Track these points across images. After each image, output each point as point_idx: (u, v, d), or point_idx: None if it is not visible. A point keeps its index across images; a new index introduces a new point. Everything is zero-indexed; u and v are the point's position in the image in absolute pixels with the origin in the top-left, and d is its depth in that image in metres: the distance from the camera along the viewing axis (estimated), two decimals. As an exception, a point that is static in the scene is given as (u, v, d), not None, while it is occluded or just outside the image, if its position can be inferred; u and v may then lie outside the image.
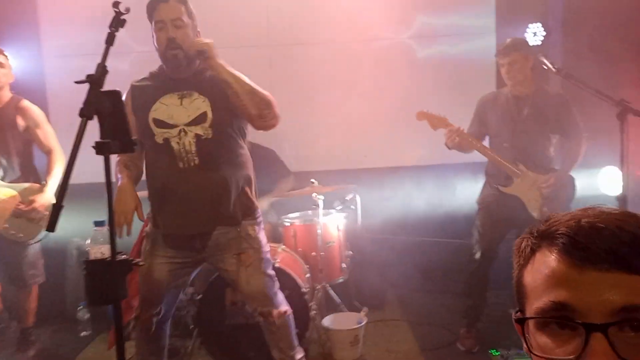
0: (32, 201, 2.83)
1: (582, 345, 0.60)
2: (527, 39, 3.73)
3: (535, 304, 0.66)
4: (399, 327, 3.17)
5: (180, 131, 1.98)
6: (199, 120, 1.98)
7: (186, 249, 2.09)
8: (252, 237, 2.12)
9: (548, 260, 0.65)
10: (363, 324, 2.78)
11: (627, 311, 0.59)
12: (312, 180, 3.10)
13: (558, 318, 0.62)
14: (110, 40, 1.42)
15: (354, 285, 3.38)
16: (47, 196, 2.88)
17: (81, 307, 3.38)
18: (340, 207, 3.26)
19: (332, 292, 3.17)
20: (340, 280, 3.21)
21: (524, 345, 0.70)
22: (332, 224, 3.19)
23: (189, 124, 1.98)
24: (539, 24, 3.77)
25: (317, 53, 4.00)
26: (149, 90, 2.05)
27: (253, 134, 3.74)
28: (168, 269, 2.09)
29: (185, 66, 1.99)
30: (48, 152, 2.99)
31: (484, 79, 3.89)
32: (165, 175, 2.04)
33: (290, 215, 3.42)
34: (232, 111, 2.02)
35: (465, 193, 3.86)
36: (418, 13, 3.93)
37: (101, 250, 1.43)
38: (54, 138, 3.02)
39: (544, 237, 0.68)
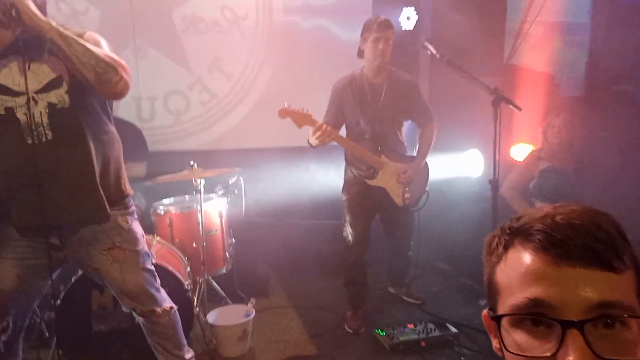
0: None
1: (558, 342, 0.59)
2: (401, 23, 3.85)
3: (510, 300, 0.64)
4: (285, 314, 3.08)
5: (28, 100, 1.62)
6: (52, 85, 1.65)
7: (41, 246, 1.71)
8: (125, 229, 1.84)
9: (522, 257, 0.64)
10: (251, 316, 2.62)
11: (603, 307, 0.59)
12: (192, 162, 2.79)
13: (534, 315, 0.61)
14: None
15: (238, 274, 3.19)
16: None
17: None
18: (222, 192, 3.01)
19: (215, 284, 2.94)
20: (224, 271, 3.00)
21: (496, 343, 0.67)
22: (214, 211, 2.93)
23: (40, 91, 1.64)
24: (412, 8, 3.90)
25: (186, 17, 3.60)
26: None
27: (115, 108, 3.25)
28: (17, 273, 1.72)
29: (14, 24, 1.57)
30: None
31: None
32: (10, 153, 1.66)
33: (165, 201, 3.07)
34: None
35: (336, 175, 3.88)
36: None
37: None
38: None
39: (518, 233, 0.67)
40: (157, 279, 1.97)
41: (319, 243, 3.79)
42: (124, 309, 2.04)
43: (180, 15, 3.57)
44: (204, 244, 2.76)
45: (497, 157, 2.49)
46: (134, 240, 1.87)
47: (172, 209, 2.88)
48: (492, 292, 0.69)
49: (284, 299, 3.34)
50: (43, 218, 1.68)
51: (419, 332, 2.63)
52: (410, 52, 3.98)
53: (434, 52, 2.52)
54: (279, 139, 3.89)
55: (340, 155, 3.82)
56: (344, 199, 2.91)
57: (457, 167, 3.78)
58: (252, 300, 2.85)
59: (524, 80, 3.88)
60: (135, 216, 1.95)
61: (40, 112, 1.64)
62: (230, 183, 3.00)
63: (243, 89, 3.79)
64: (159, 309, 1.91)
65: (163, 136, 3.72)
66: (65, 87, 1.65)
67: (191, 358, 2.10)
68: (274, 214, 3.81)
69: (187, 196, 3.08)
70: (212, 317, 2.63)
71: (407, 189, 2.89)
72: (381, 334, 2.66)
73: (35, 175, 1.64)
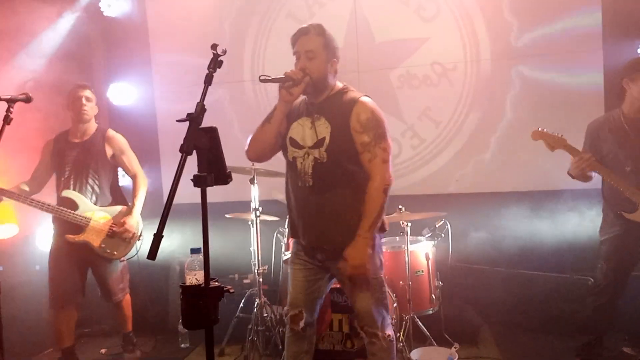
0: (123, 222, 3.11)
1: None
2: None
3: None
4: (494, 367, 2.95)
5: (305, 153, 2.09)
6: (318, 144, 2.07)
7: (313, 259, 2.21)
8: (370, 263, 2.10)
9: None
10: (454, 360, 2.63)
11: None
12: (400, 206, 3.04)
13: None
14: (208, 80, 1.53)
15: (445, 318, 3.22)
16: (135, 217, 3.17)
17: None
18: (429, 235, 3.15)
19: (420, 324, 3.05)
20: (430, 312, 3.08)
21: None
22: (421, 252, 3.09)
23: (312, 147, 2.08)
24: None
25: (402, 76, 3.98)
26: (294, 110, 2.18)
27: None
28: (303, 275, 2.23)
29: (312, 93, 2.10)
30: (133, 176, 3.28)
31: (591, 99, 3.60)
32: (293, 190, 2.18)
33: (378, 241, 3.37)
34: (351, 137, 2.03)
35: (569, 223, 3.57)
36: (523, 30, 3.75)
37: (196, 277, 1.52)
38: (137, 163, 3.30)
39: None
40: (386, 306, 2.18)
41: (540, 297, 3.49)
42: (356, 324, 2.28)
43: (397, 75, 4.00)
44: (410, 282, 2.93)
45: None
46: (375, 269, 2.11)
47: (383, 248, 3.15)
48: None
49: (494, 351, 3.18)
50: (305, 239, 2.16)
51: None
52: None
53: None
54: (492, 184, 3.84)
55: (557, 204, 3.57)
56: (601, 239, 2.77)
57: None
58: (456, 345, 2.83)
59: None
60: (378, 250, 2.17)
61: (309, 164, 2.08)
62: (437, 226, 3.12)
63: (450, 134, 3.96)
64: (380, 333, 2.13)
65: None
66: (325, 146, 2.05)
67: None
68: (487, 262, 3.71)
69: (397, 237, 3.32)
70: (416, 354, 2.74)
71: None
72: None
73: (301, 210, 2.16)
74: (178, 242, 3.65)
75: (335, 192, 2.07)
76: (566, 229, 3.58)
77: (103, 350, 3.57)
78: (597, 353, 2.69)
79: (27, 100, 2.22)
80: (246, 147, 2.17)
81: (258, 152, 2.18)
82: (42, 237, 3.65)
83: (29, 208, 2.95)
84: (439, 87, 3.93)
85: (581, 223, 3.55)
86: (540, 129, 2.63)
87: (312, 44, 2.05)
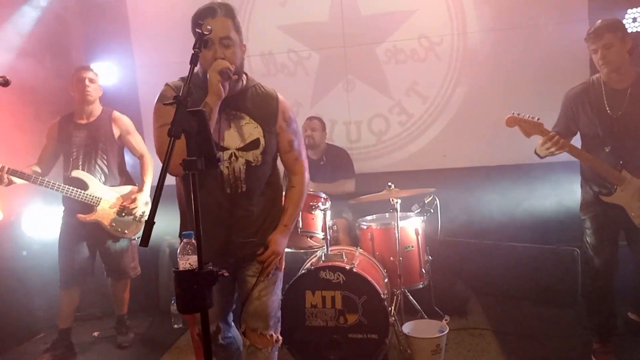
0: (135, 199, 3.16)
1: None
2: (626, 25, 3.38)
3: None
4: (483, 337, 3.02)
5: (231, 155, 1.85)
6: (251, 146, 1.87)
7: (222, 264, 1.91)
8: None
9: None
10: (445, 332, 2.69)
11: None
12: (389, 184, 3.05)
13: None
14: (194, 60, 1.48)
15: (435, 291, 3.28)
16: (145, 195, 3.22)
17: (173, 301, 3.62)
18: (418, 211, 3.18)
19: (411, 298, 3.10)
20: (420, 286, 3.14)
21: None
22: (411, 228, 3.11)
23: (241, 149, 1.86)
24: (639, 9, 3.40)
25: (394, 52, 3.94)
26: (195, 103, 1.70)
27: (329, 134, 3.78)
28: (215, 288, 1.80)
29: (232, 85, 1.83)
30: (140, 157, 3.30)
31: (576, 71, 3.61)
32: (211, 199, 1.88)
33: (367, 217, 3.40)
34: (276, 135, 1.95)
35: (556, 195, 3.63)
36: (502, 5, 3.72)
37: (189, 261, 1.51)
38: (143, 143, 3.33)
39: None
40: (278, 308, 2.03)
41: (528, 267, 3.57)
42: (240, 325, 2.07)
43: (384, 49, 3.95)
44: (401, 258, 2.96)
45: None
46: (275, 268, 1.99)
47: (374, 225, 3.19)
48: None
49: (483, 321, 3.27)
50: (221, 256, 1.90)
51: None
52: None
53: None
54: (480, 158, 3.87)
55: (543, 175, 3.62)
56: (583, 218, 2.69)
57: None
58: (447, 317, 2.90)
59: None
60: None
61: (240, 168, 1.85)
62: (426, 202, 3.14)
63: (438, 108, 3.96)
64: (267, 335, 1.96)
65: (367, 154, 4.15)
66: (261, 148, 1.87)
67: None
68: (475, 235, 3.77)
69: (387, 214, 3.34)
70: (407, 328, 2.79)
71: None
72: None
73: (228, 219, 1.87)
74: (167, 224, 3.61)
75: (264, 194, 1.95)
76: (552, 200, 3.64)
77: (96, 334, 3.58)
78: (612, 327, 2.65)
79: (5, 83, 2.14)
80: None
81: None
82: (28, 222, 3.60)
83: (13, 192, 2.92)
84: (426, 61, 3.91)
85: (567, 194, 3.60)
86: (514, 114, 2.44)
87: (226, 29, 1.78)
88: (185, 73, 1.51)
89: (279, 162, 2.05)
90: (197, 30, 1.55)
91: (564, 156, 2.69)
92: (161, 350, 3.21)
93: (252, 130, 1.88)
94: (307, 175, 2.05)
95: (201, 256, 1.46)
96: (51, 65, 3.63)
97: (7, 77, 2.13)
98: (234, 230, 1.91)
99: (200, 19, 1.73)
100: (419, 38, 3.89)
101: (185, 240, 1.55)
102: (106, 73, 4.22)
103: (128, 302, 3.41)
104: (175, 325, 3.59)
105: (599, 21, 2.46)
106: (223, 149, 1.85)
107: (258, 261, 1.96)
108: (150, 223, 1.33)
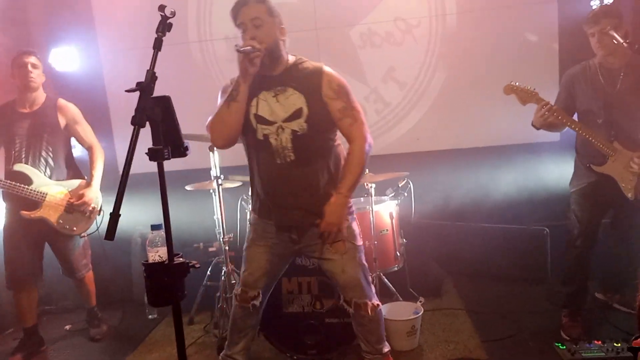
0: (82, 195, 2.99)
1: None
2: (592, 5, 3.44)
3: None
4: (457, 317, 3.09)
5: (278, 127, 1.99)
6: (295, 115, 1.98)
7: (284, 239, 2.16)
8: (345, 227, 2.13)
9: None
10: (420, 314, 2.73)
11: None
12: (364, 168, 3.04)
13: None
14: (157, 45, 1.42)
15: (409, 273, 3.32)
16: (94, 190, 3.05)
17: (147, 292, 3.57)
18: (392, 195, 3.19)
19: (386, 281, 3.13)
20: (395, 269, 3.16)
21: None
22: (385, 212, 3.12)
23: (286, 120, 1.99)
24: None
25: (365, 34, 3.88)
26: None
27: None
28: (267, 258, 2.19)
29: (269, 64, 1.97)
30: (89, 148, 3.13)
31: (546, 51, 3.66)
32: (265, 170, 2.06)
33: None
34: (325, 105, 2.01)
35: (524, 176, 3.71)
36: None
37: (159, 253, 1.47)
38: (92, 133, 3.15)
39: None
40: (369, 274, 2.22)
41: (498, 247, 3.66)
42: (343, 298, 2.24)
43: (358, 32, 3.88)
44: (376, 242, 2.98)
45: None
46: (353, 235, 2.16)
47: (348, 210, 3.18)
48: None
49: (457, 301, 3.33)
50: (283, 220, 2.09)
51: (607, 350, 2.35)
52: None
53: (620, 40, 2.34)
54: (453, 141, 3.89)
55: (512, 157, 3.68)
56: (571, 190, 2.79)
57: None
58: (421, 299, 2.94)
59: None
60: (354, 216, 2.22)
61: (287, 138, 1.98)
62: (399, 186, 3.16)
63: (415, 95, 3.90)
64: (369, 303, 2.14)
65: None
66: (304, 117, 1.97)
67: (387, 352, 2.30)
68: (449, 217, 3.83)
69: (362, 198, 3.34)
70: (383, 310, 2.80)
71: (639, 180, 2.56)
72: (561, 347, 2.47)
73: (282, 188, 2.04)
74: (138, 213, 3.54)
75: (317, 162, 2.04)
76: (523, 182, 3.72)
77: (67, 327, 3.50)
78: (582, 301, 2.78)
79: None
80: (211, 134, 2.00)
81: (229, 136, 2.00)
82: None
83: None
84: (403, 45, 3.83)
85: (538, 175, 3.69)
86: (513, 83, 2.54)
87: (256, 11, 1.93)
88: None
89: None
90: (233, 20, 1.95)
91: (537, 137, 2.74)
92: (135, 342, 3.16)
93: (295, 100, 1.99)
94: (367, 142, 2.05)
95: (171, 248, 1.43)
96: (10, 50, 3.44)
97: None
98: (290, 199, 2.04)
99: (235, 9, 1.95)
100: (395, 20, 3.82)
101: (153, 232, 1.51)
102: (69, 58, 4.05)
103: (95, 294, 3.30)
104: (150, 316, 3.54)
105: (597, 7, 2.56)
106: (270, 123, 1.99)
107: (318, 234, 2.06)
108: (115, 215, 1.29)
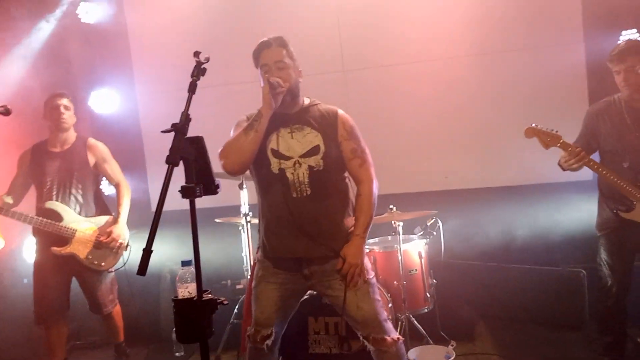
0: (110, 232, 3.06)
1: None
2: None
3: None
4: (491, 362, 2.96)
5: (295, 162, 2.06)
6: (312, 152, 2.07)
7: (295, 275, 2.14)
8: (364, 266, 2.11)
9: None
10: (452, 358, 2.63)
11: None
12: (391, 206, 3.02)
13: None
14: (192, 88, 1.49)
15: (440, 315, 3.22)
16: (121, 226, 3.12)
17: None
18: (421, 233, 3.15)
19: (416, 323, 3.04)
20: (425, 311, 3.08)
21: None
22: (414, 251, 3.08)
23: (303, 156, 2.06)
24: (635, 30, 3.43)
25: (392, 75, 3.96)
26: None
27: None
28: (279, 294, 2.17)
29: (289, 102, 2.08)
30: (116, 185, 3.23)
31: (575, 92, 3.63)
32: (280, 204, 2.07)
33: (369, 241, 3.36)
34: (339, 144, 2.11)
35: (560, 215, 3.61)
36: (496, 28, 3.75)
37: (188, 290, 1.48)
38: (120, 171, 3.25)
39: None
40: (384, 310, 2.16)
41: (534, 290, 3.51)
42: (359, 334, 2.17)
43: (387, 73, 3.94)
44: (404, 282, 2.92)
45: None
46: (364, 272, 2.12)
47: (376, 248, 3.15)
48: None
49: (491, 346, 3.19)
50: (297, 253, 2.08)
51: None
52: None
53: None
54: (483, 179, 3.85)
55: (548, 197, 3.59)
56: (598, 234, 2.69)
57: None
58: (453, 342, 2.84)
59: None
60: (365, 252, 2.18)
61: (303, 173, 2.04)
62: (428, 224, 3.12)
63: (445, 133, 3.91)
64: (388, 338, 2.10)
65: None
66: (321, 154, 2.05)
67: None
68: (479, 257, 3.73)
69: (389, 237, 3.31)
70: (413, 354, 2.74)
71: None
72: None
73: (296, 220, 2.04)
74: (168, 250, 3.59)
75: (331, 199, 2.09)
76: (557, 221, 3.61)
77: (96, 364, 3.52)
78: (622, 350, 2.65)
79: (6, 113, 2.16)
80: (224, 159, 2.01)
81: (243, 164, 2.04)
82: (29, 250, 3.58)
83: (14, 220, 2.88)
84: (434, 83, 3.85)
85: (572, 215, 3.58)
86: (534, 126, 2.47)
87: (279, 54, 2.06)
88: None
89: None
90: (255, 61, 2.09)
91: (569, 176, 2.69)
92: (162, 380, 3.15)
93: (312, 138, 2.08)
94: (374, 183, 2.13)
95: (201, 284, 1.44)
96: (49, 90, 3.65)
97: (8, 107, 2.16)
98: (303, 232, 2.05)
99: (258, 51, 2.08)
100: (425, 60, 3.85)
101: (183, 268, 1.53)
102: (107, 100, 4.27)
103: (122, 329, 3.31)
104: (177, 354, 3.52)
105: (622, 43, 2.54)
106: (287, 158, 2.06)
107: (339, 275, 2.07)
108: (147, 251, 1.32)
